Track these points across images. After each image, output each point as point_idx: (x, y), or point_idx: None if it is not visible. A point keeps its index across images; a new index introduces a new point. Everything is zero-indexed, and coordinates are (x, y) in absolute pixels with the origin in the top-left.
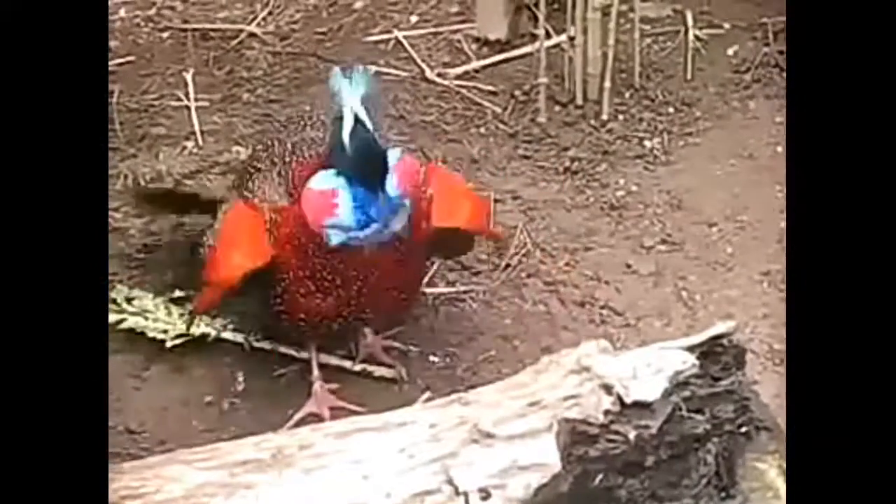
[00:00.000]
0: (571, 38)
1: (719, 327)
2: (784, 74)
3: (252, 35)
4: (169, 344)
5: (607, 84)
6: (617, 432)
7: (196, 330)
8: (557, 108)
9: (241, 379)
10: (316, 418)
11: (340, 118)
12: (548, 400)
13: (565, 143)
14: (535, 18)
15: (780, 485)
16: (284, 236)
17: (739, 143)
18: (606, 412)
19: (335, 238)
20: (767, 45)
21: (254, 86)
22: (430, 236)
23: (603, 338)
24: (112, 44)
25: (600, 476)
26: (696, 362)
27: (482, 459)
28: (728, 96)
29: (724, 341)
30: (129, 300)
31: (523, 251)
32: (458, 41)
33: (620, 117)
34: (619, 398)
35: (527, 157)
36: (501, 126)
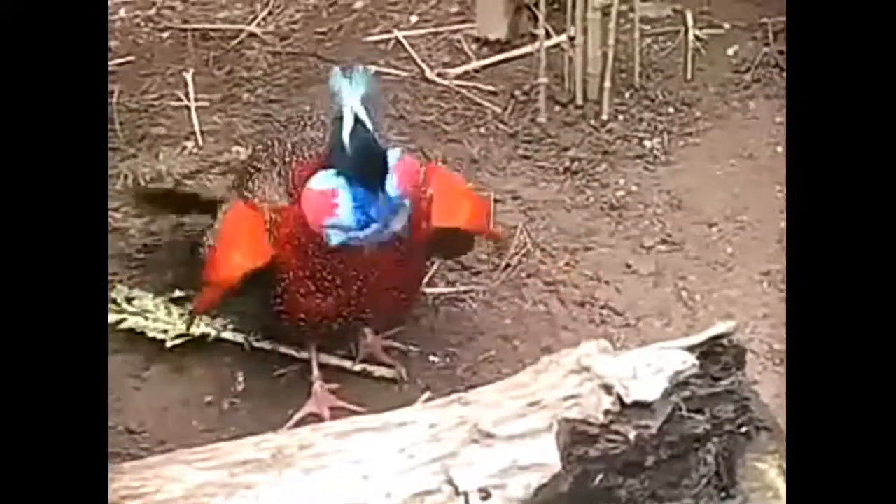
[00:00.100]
0: (571, 38)
1: (719, 327)
2: (784, 74)
3: (252, 35)
4: (169, 344)
5: (607, 84)
6: (617, 432)
7: (196, 330)
8: (557, 108)
9: (241, 379)
10: (316, 418)
11: (340, 118)
12: (548, 400)
13: (565, 143)
14: (535, 18)
15: (780, 485)
16: (284, 236)
17: (739, 143)
18: (606, 412)
19: (335, 238)
20: (767, 45)
21: (254, 86)
22: (430, 236)
23: (603, 338)
24: (112, 44)
25: (600, 476)
26: (696, 362)
27: (482, 459)
28: (728, 96)
29: (724, 341)
30: (129, 300)
31: (523, 251)
32: (458, 41)
33: (620, 117)
34: (619, 398)
35: (527, 157)
36: (501, 126)
